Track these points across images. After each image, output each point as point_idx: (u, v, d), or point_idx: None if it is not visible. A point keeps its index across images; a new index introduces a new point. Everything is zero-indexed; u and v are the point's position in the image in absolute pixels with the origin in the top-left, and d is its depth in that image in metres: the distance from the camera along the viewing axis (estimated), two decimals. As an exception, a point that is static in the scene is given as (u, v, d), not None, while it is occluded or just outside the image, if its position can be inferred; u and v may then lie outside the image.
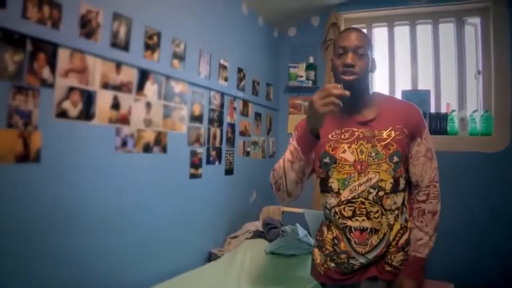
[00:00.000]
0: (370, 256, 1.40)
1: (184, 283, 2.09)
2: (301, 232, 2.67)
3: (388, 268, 1.42)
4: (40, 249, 1.55)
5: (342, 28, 3.49)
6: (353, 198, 1.41)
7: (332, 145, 1.46)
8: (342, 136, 1.46)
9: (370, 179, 1.39)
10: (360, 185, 1.40)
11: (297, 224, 2.77)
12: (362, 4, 3.46)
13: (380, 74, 3.54)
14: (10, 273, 1.44)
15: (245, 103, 3.18)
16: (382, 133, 1.42)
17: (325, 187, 1.49)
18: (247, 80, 3.20)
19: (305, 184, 1.48)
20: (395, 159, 1.39)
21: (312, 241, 2.60)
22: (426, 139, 1.46)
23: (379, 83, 3.55)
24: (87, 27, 1.73)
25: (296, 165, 1.38)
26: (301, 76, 3.63)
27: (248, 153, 3.24)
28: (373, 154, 1.40)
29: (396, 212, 1.41)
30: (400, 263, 1.42)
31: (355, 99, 1.39)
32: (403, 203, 1.44)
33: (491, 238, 2.91)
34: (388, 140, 1.41)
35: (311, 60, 3.65)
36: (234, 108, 3.01)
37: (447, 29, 3.33)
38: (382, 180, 1.39)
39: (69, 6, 1.64)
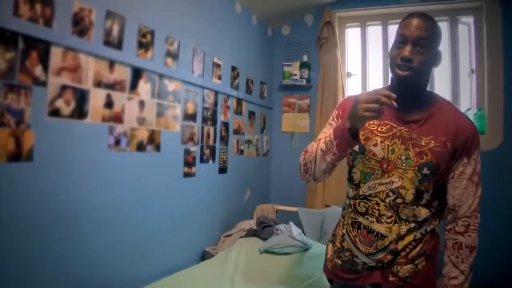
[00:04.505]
0: (373, 258, 1.31)
1: (178, 281, 2.09)
2: (295, 230, 2.67)
3: (392, 278, 1.31)
4: (33, 247, 1.54)
5: (336, 26, 3.50)
6: (370, 195, 1.32)
7: (366, 134, 1.34)
8: (379, 129, 1.34)
9: (392, 182, 1.27)
10: (380, 184, 1.29)
11: (291, 223, 2.78)
12: (356, 3, 3.47)
13: (374, 73, 3.55)
14: (6, 273, 1.43)
15: (239, 101, 3.18)
16: (421, 138, 1.27)
17: (349, 176, 1.40)
18: (240, 78, 3.19)
19: (333, 172, 1.40)
20: (425, 170, 1.24)
21: (306, 239, 2.61)
22: (475, 161, 1.28)
23: (372, 82, 3.56)
24: (79, 25, 1.72)
25: (328, 157, 1.29)
26: (295, 75, 3.65)
27: (242, 152, 3.24)
28: (403, 157, 1.27)
29: (413, 224, 1.29)
30: (407, 276, 1.30)
31: (407, 95, 1.28)
32: (426, 219, 1.30)
33: (486, 235, 2.87)
34: (424, 148, 1.26)
35: (305, 58, 3.65)
36: (228, 107, 3.01)
37: (440, 28, 3.33)
38: (403, 187, 1.26)
39: (61, 3, 1.62)
